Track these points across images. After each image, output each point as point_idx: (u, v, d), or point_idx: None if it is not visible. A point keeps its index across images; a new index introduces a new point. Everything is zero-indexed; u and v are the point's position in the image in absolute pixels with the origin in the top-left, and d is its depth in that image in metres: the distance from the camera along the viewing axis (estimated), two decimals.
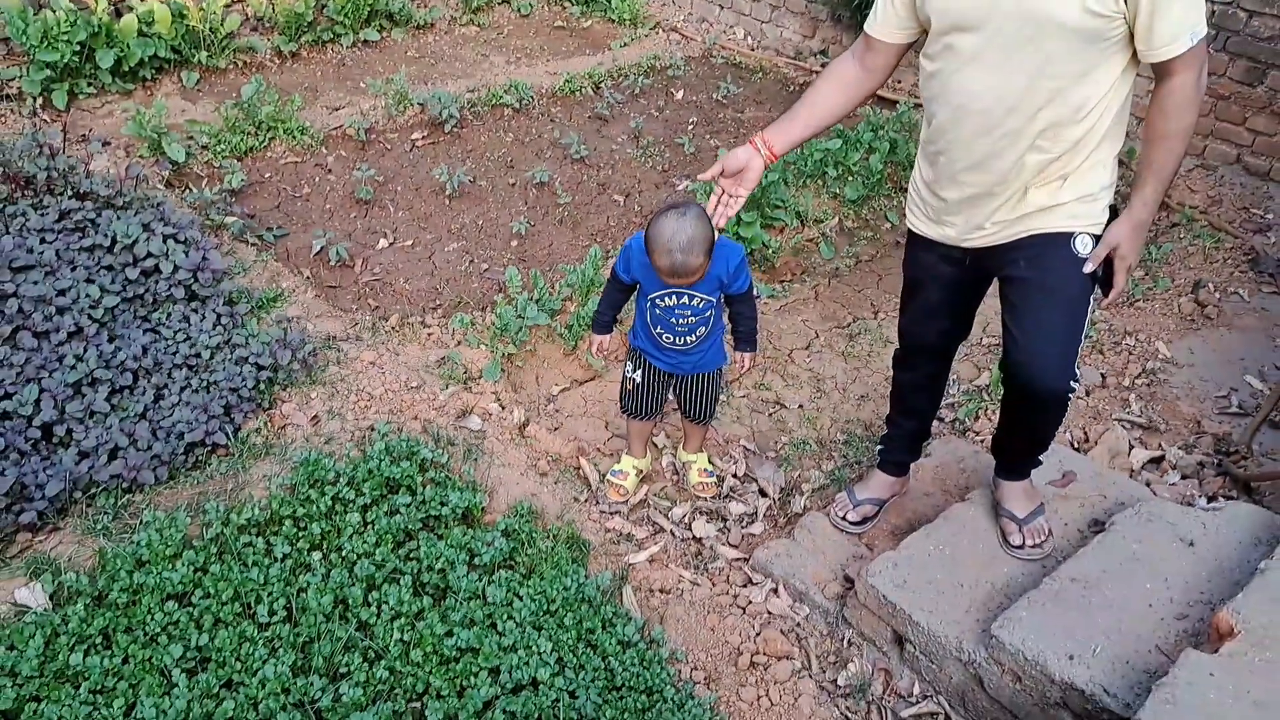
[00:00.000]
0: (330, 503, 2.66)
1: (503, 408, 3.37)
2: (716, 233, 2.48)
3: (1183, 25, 1.92)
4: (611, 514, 3.06)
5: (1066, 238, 2.17)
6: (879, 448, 2.93)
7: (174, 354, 3.15)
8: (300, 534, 2.59)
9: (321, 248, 4.21)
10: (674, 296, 2.65)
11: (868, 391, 3.78)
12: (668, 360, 2.85)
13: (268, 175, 4.73)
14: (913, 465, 2.96)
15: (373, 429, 3.04)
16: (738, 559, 2.92)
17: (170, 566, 2.42)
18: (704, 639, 2.58)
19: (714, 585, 2.79)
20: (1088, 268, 2.16)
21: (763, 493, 3.24)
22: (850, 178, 4.95)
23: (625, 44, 6.71)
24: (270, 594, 2.40)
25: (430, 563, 2.53)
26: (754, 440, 3.49)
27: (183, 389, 3.05)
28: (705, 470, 3.23)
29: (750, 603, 2.72)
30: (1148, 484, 3.14)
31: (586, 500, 3.10)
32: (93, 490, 2.71)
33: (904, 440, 2.86)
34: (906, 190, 2.48)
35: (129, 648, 2.23)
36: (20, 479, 2.60)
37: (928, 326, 2.59)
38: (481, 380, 3.46)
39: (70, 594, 2.38)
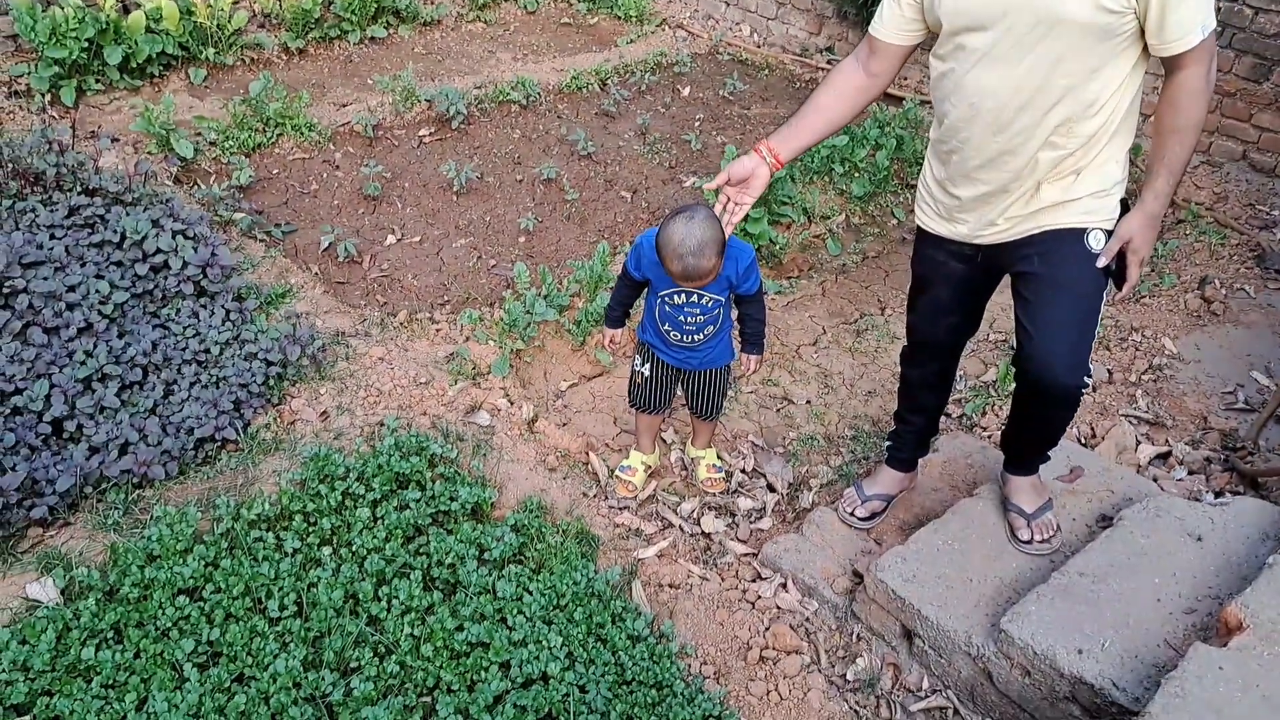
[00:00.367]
0: (340, 498, 2.67)
1: (511, 403, 3.38)
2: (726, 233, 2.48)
3: (1194, 19, 1.93)
4: (620, 509, 3.06)
5: (1080, 233, 2.17)
6: (887, 443, 2.93)
7: (183, 349, 3.16)
8: (310, 529, 2.60)
9: (330, 244, 4.22)
10: (683, 295, 2.66)
11: (875, 387, 3.78)
12: (675, 356, 2.86)
13: (276, 171, 4.74)
14: (921, 461, 2.97)
15: (382, 424, 3.05)
16: (746, 554, 2.92)
17: (181, 561, 2.43)
18: (713, 634, 2.58)
19: (723, 580, 2.80)
20: (1101, 262, 2.16)
21: (771, 488, 3.25)
22: (857, 174, 4.95)
23: (632, 40, 6.72)
24: (281, 589, 2.41)
25: (440, 558, 2.54)
26: (762, 436, 3.50)
27: (192, 384, 3.06)
28: (714, 466, 3.23)
29: (759, 598, 2.72)
30: (1155, 479, 3.14)
31: (595, 495, 3.10)
32: (103, 485, 2.72)
33: (912, 436, 2.86)
34: (913, 187, 2.48)
35: (140, 642, 2.24)
36: (31, 474, 2.62)
37: (937, 323, 2.59)
38: (490, 376, 3.47)
39: (81, 589, 2.39)
